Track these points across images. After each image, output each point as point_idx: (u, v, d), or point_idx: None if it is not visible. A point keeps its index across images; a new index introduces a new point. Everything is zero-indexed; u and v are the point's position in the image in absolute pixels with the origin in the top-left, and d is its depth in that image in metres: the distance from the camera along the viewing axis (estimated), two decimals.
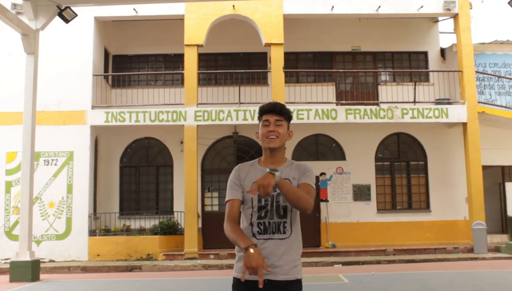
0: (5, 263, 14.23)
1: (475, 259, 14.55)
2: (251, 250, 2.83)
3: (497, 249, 15.68)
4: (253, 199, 3.06)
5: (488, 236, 15.69)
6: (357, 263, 14.24)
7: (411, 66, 18.67)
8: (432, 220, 17.21)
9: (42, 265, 13.02)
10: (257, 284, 2.88)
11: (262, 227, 3.04)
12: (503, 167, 17.89)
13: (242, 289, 3.02)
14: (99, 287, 10.96)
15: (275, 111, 3.15)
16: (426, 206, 17.54)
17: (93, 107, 15.97)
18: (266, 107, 3.19)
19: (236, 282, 3.07)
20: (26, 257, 11.89)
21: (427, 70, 18.28)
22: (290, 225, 3.06)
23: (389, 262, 14.34)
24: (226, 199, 3.14)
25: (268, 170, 2.85)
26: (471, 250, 15.38)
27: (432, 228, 17.06)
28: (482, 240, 15.16)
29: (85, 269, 13.95)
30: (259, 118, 3.21)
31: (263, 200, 3.04)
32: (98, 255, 15.26)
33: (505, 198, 17.41)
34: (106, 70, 17.69)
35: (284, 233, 3.04)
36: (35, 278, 11.84)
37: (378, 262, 14.28)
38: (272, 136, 3.09)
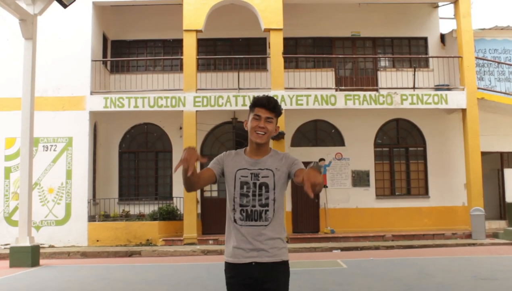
0: (5, 248, 14.29)
1: (473, 244, 14.61)
2: (188, 147, 2.95)
3: (495, 235, 15.74)
4: (236, 185, 3.19)
5: (486, 222, 15.76)
6: (356, 248, 14.30)
7: (410, 52, 18.63)
8: (430, 206, 17.28)
9: (41, 250, 13.07)
10: (249, 266, 3.09)
11: (244, 214, 3.15)
12: (502, 153, 17.91)
13: (234, 272, 3.15)
14: (99, 272, 11.01)
15: (268, 108, 3.19)
16: (424, 192, 17.59)
17: (91, 93, 15.93)
18: (260, 101, 3.21)
19: (228, 266, 3.20)
20: (26, 243, 11.93)
21: (427, 56, 18.24)
22: (273, 213, 3.16)
23: (387, 247, 14.40)
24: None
25: (313, 165, 2.87)
26: (469, 236, 15.45)
27: (431, 214, 17.12)
28: (480, 226, 15.23)
29: (84, 254, 14.01)
30: (251, 109, 3.25)
31: (245, 187, 3.16)
32: (97, 241, 15.32)
33: (504, 184, 17.46)
34: (104, 55, 17.63)
35: (266, 220, 3.14)
36: (35, 263, 11.90)
37: (377, 248, 14.35)
38: (260, 133, 3.17)
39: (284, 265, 3.17)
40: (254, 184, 3.17)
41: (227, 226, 3.25)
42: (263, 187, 3.16)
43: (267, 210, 3.15)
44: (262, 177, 3.17)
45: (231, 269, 3.18)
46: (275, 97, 3.37)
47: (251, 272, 3.10)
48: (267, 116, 3.18)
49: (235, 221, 3.18)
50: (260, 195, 3.16)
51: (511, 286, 8.10)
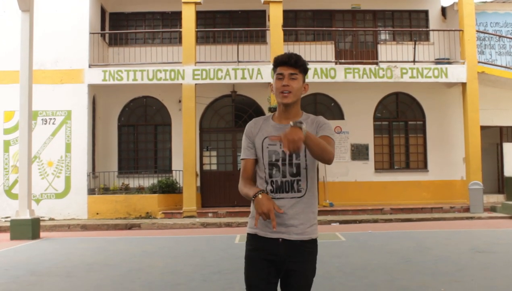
0: (5, 221, 14.37)
1: (471, 218, 14.69)
2: (260, 196, 2.73)
3: (493, 209, 15.82)
4: (264, 156, 2.92)
5: (485, 196, 15.82)
6: (354, 221, 14.38)
7: (411, 25, 18.48)
8: (429, 180, 17.33)
9: (42, 223, 13.14)
10: (275, 242, 2.85)
11: (274, 186, 2.89)
12: (501, 127, 17.90)
13: (257, 245, 2.91)
14: (99, 244, 11.08)
15: (290, 64, 2.92)
16: (423, 166, 17.62)
17: (90, 66, 15.85)
18: (280, 59, 2.96)
19: (251, 237, 2.95)
20: (26, 216, 11.98)
21: (427, 29, 18.11)
22: (306, 183, 2.91)
23: (386, 221, 14.48)
24: (241, 157, 3.03)
25: (291, 123, 2.61)
26: (467, 210, 15.53)
27: (429, 188, 17.19)
28: (478, 200, 15.29)
29: (84, 227, 14.09)
30: (274, 70, 3.00)
31: (273, 156, 2.90)
32: (97, 214, 15.39)
33: (502, 158, 17.49)
34: (102, 28, 17.48)
35: (299, 191, 2.89)
36: (35, 236, 11.97)
37: (375, 221, 14.43)
38: (285, 92, 2.89)
39: (313, 243, 2.95)
40: (283, 151, 2.76)
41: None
42: (293, 155, 2.87)
43: (299, 180, 2.89)
44: None
45: (254, 241, 2.92)
46: None
47: (276, 248, 2.85)
48: (290, 73, 2.90)
49: (267, 193, 2.84)
50: (290, 164, 2.89)
51: (508, 259, 8.16)
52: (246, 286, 2.94)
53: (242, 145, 3.03)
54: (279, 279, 2.94)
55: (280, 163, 2.90)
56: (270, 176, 2.90)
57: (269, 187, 2.90)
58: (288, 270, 2.87)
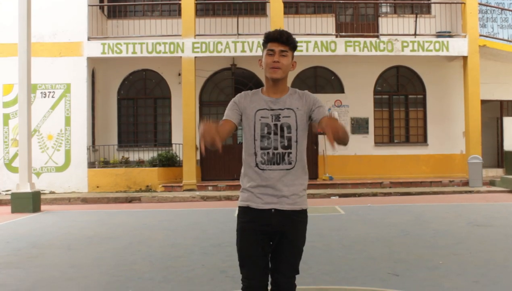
0: (6, 194, 14.42)
1: (470, 192, 14.74)
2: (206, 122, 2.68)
3: (492, 183, 15.87)
4: (256, 127, 2.98)
5: (484, 170, 15.85)
6: (354, 195, 14.43)
7: None
8: (429, 154, 17.35)
9: (42, 196, 13.19)
10: (268, 213, 2.92)
11: (265, 157, 2.97)
12: (501, 102, 17.86)
13: (250, 217, 2.98)
14: (100, 217, 11.14)
15: (281, 41, 3.01)
16: (423, 140, 17.63)
17: (89, 38, 15.73)
18: (272, 35, 3.04)
19: (243, 210, 3.02)
20: (27, 189, 12.02)
21: (429, 1, 17.92)
22: (296, 156, 3.00)
23: (385, 194, 14.54)
24: (223, 118, 3.03)
25: (328, 114, 2.82)
26: (466, 184, 15.57)
27: (429, 162, 17.22)
28: (477, 174, 15.32)
29: (85, 200, 14.15)
30: (264, 45, 3.08)
31: (266, 129, 2.97)
32: (97, 187, 15.44)
33: (502, 132, 17.47)
34: (101, 0, 17.31)
35: (290, 163, 2.98)
36: (36, 209, 12.03)
37: (375, 195, 14.49)
38: (275, 67, 2.98)
39: (303, 213, 3.05)
40: (275, 125, 2.97)
41: (244, 171, 3.04)
42: (285, 128, 2.98)
43: (290, 153, 2.97)
44: (283, 117, 2.99)
45: (246, 213, 3.00)
46: None
47: (269, 219, 2.94)
48: (281, 50, 2.99)
49: (256, 165, 2.97)
50: (282, 136, 2.97)
51: (506, 233, 8.21)
52: (239, 258, 3.02)
53: (226, 109, 3.06)
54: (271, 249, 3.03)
55: (272, 135, 2.98)
56: (262, 147, 2.97)
57: (260, 158, 2.97)
58: (280, 239, 2.97)
